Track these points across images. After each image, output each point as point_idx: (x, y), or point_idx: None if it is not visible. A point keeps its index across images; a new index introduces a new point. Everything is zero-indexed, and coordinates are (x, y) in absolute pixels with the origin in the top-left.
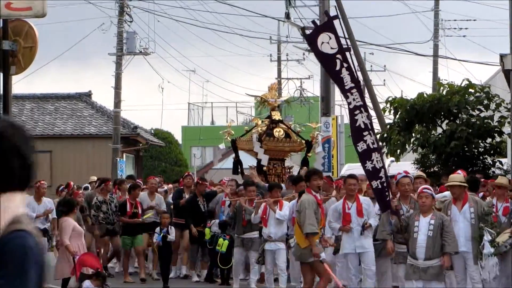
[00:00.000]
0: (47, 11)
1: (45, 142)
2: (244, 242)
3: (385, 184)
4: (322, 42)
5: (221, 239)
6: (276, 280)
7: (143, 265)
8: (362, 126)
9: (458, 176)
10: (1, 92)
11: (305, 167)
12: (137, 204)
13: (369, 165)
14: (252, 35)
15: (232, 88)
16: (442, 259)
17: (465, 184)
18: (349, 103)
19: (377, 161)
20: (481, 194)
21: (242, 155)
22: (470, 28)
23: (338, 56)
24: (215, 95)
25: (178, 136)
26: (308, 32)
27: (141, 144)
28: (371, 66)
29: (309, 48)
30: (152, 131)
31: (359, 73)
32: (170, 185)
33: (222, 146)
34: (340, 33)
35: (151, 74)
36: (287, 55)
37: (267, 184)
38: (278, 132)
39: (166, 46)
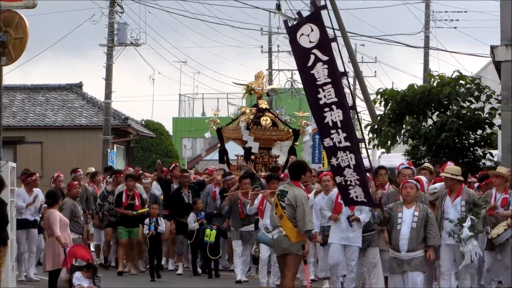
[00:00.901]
0: (38, 2)
1: (36, 133)
2: (243, 235)
3: (356, 181)
4: (302, 34)
5: (208, 230)
6: (269, 272)
7: (135, 259)
8: (330, 124)
9: (453, 168)
10: None
11: (293, 156)
12: (135, 195)
13: (334, 161)
14: (243, 26)
15: (223, 80)
16: (428, 252)
17: (459, 178)
18: (319, 99)
19: (342, 160)
20: (476, 184)
21: (227, 144)
22: (461, 20)
23: (314, 51)
24: (206, 87)
25: (169, 127)
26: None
27: (131, 135)
28: (362, 57)
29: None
30: (143, 122)
31: (349, 65)
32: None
33: (208, 135)
34: (329, 24)
35: (142, 65)
36: (278, 46)
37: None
38: (265, 120)
39: (157, 37)
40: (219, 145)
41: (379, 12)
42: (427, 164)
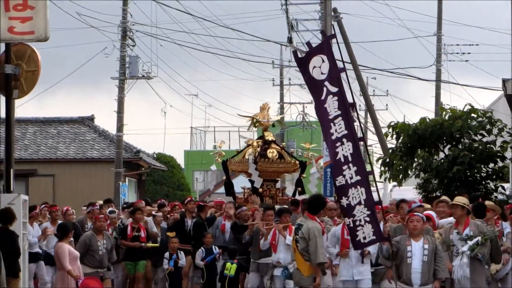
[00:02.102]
0: (50, 35)
1: (48, 166)
2: (260, 267)
3: (366, 218)
4: (314, 67)
5: (228, 263)
6: None
7: None
8: (342, 159)
9: (463, 198)
10: (4, 115)
11: (299, 188)
12: (141, 228)
13: (344, 201)
14: (254, 59)
15: (235, 113)
16: (434, 284)
17: (468, 207)
18: (331, 134)
19: (353, 197)
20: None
21: (238, 177)
22: (472, 53)
23: (326, 83)
24: (217, 120)
25: (180, 160)
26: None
27: (143, 168)
28: (374, 90)
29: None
30: (155, 155)
31: (361, 98)
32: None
33: (213, 167)
34: (338, 56)
35: (154, 98)
36: (289, 79)
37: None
38: (272, 153)
39: (169, 71)
40: (224, 177)
41: (391, 45)
42: (444, 197)
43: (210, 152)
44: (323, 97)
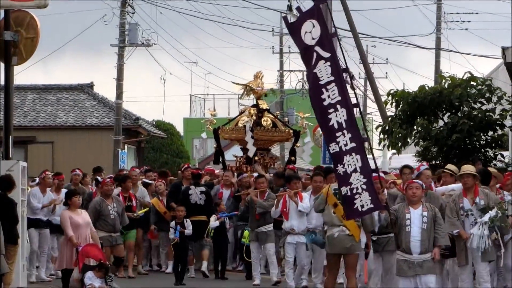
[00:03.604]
0: (49, 2)
1: (47, 133)
2: (259, 236)
3: (363, 186)
4: (306, 32)
5: (246, 231)
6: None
7: (132, 262)
8: (336, 126)
9: (471, 166)
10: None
11: (293, 158)
12: (131, 197)
13: (340, 169)
14: (254, 27)
15: (235, 81)
16: (433, 251)
17: (478, 175)
18: (323, 100)
19: (348, 165)
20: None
21: (234, 147)
22: (472, 21)
23: (316, 48)
24: (217, 87)
25: (180, 128)
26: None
27: (142, 136)
28: (374, 59)
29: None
30: (154, 123)
31: (361, 66)
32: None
33: (204, 135)
34: (341, 25)
35: (153, 65)
36: (289, 47)
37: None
38: (266, 121)
39: (169, 38)
40: (215, 145)
41: (390, 13)
42: (450, 166)
43: (202, 120)
44: (313, 62)
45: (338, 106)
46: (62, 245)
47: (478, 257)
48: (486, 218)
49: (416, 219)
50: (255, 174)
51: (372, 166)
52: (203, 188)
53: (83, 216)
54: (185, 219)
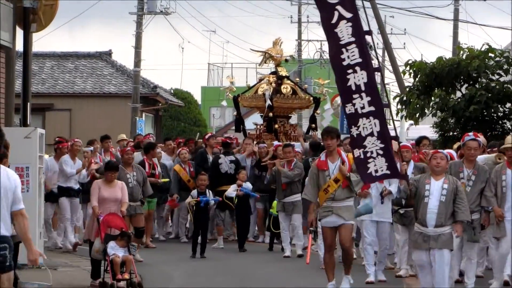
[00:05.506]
0: None
1: (65, 100)
2: (286, 206)
3: (379, 151)
4: None
5: (275, 202)
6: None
7: (150, 232)
8: (353, 87)
9: (509, 138)
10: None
11: (313, 125)
12: (154, 165)
13: (354, 131)
14: None
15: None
16: (455, 227)
17: None
18: (342, 59)
19: (364, 127)
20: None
21: (253, 116)
22: None
23: (338, 7)
24: (235, 56)
25: (197, 96)
26: None
27: (160, 104)
28: (392, 29)
29: None
30: (172, 91)
31: (379, 36)
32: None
33: (224, 103)
34: None
35: (171, 34)
36: (307, 16)
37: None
38: (285, 88)
39: (187, 7)
40: (235, 113)
41: None
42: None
43: (221, 88)
44: (334, 21)
45: (358, 68)
46: (91, 216)
47: None
48: None
49: (436, 190)
50: (275, 143)
51: (392, 134)
52: (232, 157)
53: (113, 191)
54: (207, 190)
